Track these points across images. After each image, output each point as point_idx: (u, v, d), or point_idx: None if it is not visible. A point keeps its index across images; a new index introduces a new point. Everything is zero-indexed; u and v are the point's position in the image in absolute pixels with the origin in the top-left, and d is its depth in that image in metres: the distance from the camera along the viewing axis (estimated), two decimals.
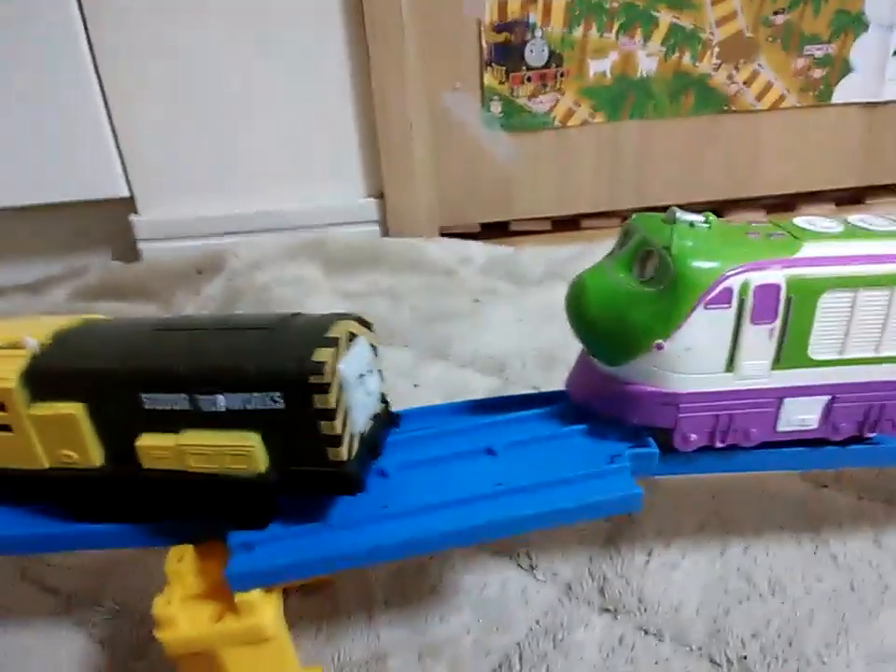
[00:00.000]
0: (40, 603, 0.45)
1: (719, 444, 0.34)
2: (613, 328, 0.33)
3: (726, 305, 0.31)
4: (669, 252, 0.31)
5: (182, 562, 0.32)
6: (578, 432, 0.36)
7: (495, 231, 1.09)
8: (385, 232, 1.04)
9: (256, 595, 0.30)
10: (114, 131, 0.95)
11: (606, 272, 0.33)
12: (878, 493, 0.48)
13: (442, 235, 1.04)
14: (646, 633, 0.39)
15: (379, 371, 0.34)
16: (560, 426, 0.37)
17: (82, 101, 0.92)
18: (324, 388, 0.28)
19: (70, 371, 0.31)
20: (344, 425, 0.30)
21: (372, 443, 0.33)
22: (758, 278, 0.31)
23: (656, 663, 0.38)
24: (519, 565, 0.44)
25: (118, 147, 0.96)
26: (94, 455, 0.32)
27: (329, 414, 0.29)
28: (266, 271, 0.90)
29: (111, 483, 0.33)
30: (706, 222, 0.32)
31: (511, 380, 0.66)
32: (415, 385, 0.66)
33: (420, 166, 1.00)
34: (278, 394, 0.29)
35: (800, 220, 0.33)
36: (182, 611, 0.30)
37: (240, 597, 0.30)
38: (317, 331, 0.30)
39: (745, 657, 0.37)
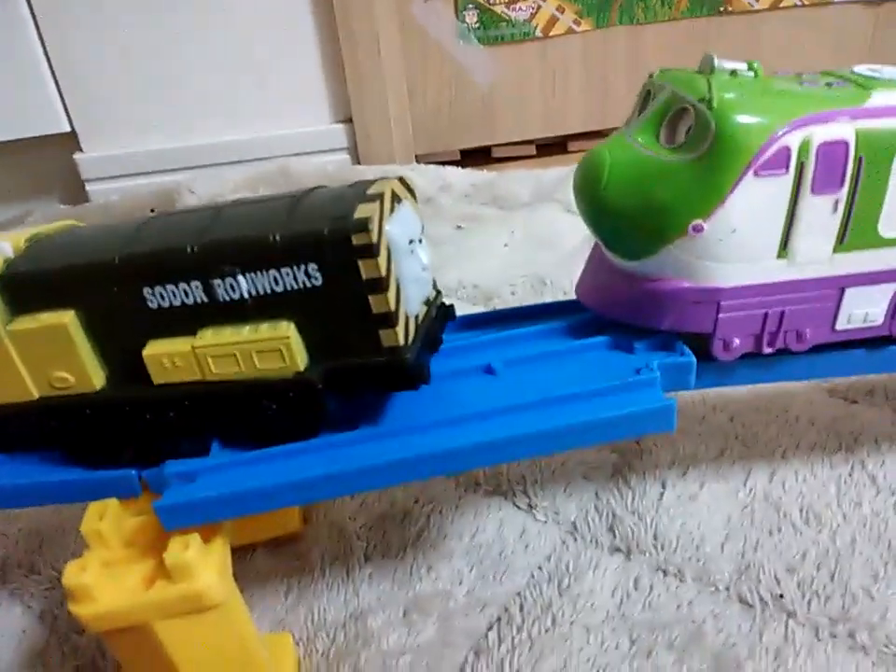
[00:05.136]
0: None
1: (767, 350, 0.29)
2: (637, 210, 0.27)
3: (782, 171, 0.25)
4: (708, 107, 0.25)
5: (103, 520, 0.27)
6: (594, 345, 0.31)
7: (476, 157, 1.04)
8: (357, 161, 0.99)
9: (191, 555, 0.25)
10: (48, 59, 0.88)
11: (626, 141, 0.28)
12: None
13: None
14: (665, 573, 0.36)
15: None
16: (572, 339, 0.31)
17: (12, 28, 0.85)
18: (371, 250, 0.24)
19: (54, 270, 0.27)
20: (398, 300, 0.25)
21: (430, 335, 0.28)
22: (822, 134, 0.25)
23: (678, 607, 0.35)
24: (516, 504, 0.41)
25: (54, 77, 0.89)
26: (94, 374, 0.27)
27: (380, 285, 0.24)
28: None
29: (118, 409, 0.27)
30: (750, 69, 0.27)
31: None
32: None
33: (391, 87, 0.95)
34: (314, 265, 0.24)
35: (861, 68, 0.28)
36: (102, 580, 0.25)
37: (171, 559, 0.25)
38: (354, 191, 0.26)
39: (781, 595, 0.34)
